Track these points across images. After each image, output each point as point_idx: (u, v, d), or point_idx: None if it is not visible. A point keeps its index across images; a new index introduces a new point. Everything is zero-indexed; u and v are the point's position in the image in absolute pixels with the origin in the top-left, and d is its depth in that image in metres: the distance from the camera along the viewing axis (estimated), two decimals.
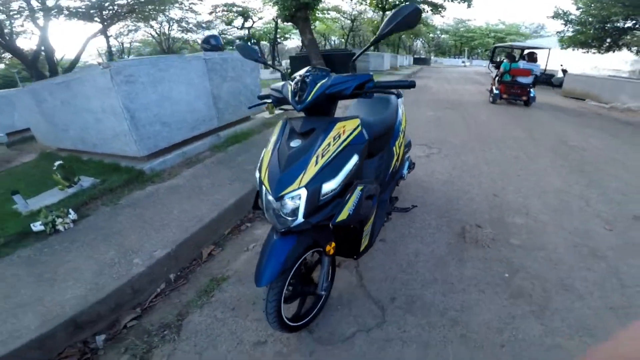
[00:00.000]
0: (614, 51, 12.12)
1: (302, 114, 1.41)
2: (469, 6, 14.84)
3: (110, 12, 15.90)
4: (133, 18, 18.46)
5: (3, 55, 19.77)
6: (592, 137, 5.05)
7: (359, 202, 1.32)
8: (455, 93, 10.59)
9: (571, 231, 2.36)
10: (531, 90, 7.65)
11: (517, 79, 7.74)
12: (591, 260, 2.03)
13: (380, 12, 18.96)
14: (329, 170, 1.22)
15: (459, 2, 14.71)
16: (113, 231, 2.30)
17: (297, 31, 26.23)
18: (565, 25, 13.00)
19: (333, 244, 1.44)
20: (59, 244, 2.20)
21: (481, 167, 3.64)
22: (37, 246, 2.19)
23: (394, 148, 2.08)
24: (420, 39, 43.53)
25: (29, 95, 4.19)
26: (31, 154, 5.07)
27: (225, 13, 24.06)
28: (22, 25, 13.71)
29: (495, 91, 8.08)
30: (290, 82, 1.36)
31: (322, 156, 1.22)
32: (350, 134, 1.31)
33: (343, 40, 32.18)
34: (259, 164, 1.34)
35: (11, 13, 12.75)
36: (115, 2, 15.09)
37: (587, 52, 12.84)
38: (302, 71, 1.36)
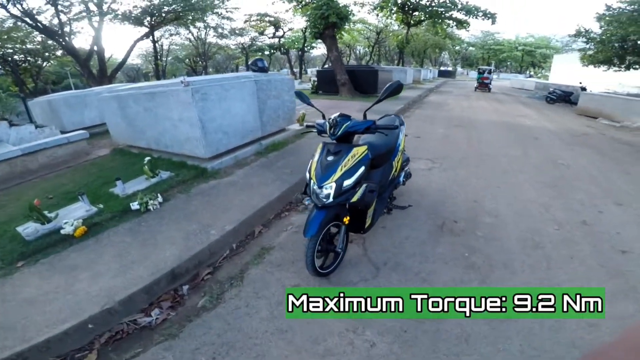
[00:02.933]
0: (635, 69, 12.40)
1: (330, 140, 2.40)
2: (493, 22, 15.36)
3: (158, 17, 17.62)
4: (175, 23, 20.23)
5: (55, 54, 22.07)
6: (582, 156, 5.72)
7: (363, 193, 2.28)
8: (470, 110, 11.27)
9: (525, 229, 3.18)
10: (489, 85, 19.20)
11: (483, 81, 19.21)
12: (531, 249, 2.86)
13: (405, 27, 19.79)
14: (347, 174, 2.19)
15: (483, 19, 15.28)
16: (191, 211, 3.33)
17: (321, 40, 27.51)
18: (587, 43, 13.34)
19: (347, 218, 2.39)
20: (152, 219, 3.18)
21: (470, 179, 4.48)
22: (136, 221, 3.16)
23: (394, 162, 3.01)
24: (446, 52, 43.75)
25: (114, 100, 5.25)
26: (103, 148, 6.25)
27: (258, 22, 25.59)
28: (82, 28, 15.61)
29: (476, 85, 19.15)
30: (328, 122, 2.36)
31: (345, 166, 2.20)
32: (361, 154, 2.29)
33: (368, 50, 33.17)
34: (309, 167, 2.35)
35: (74, 15, 14.54)
36: (163, 10, 16.74)
37: (608, 69, 13.14)
38: (334, 115, 2.37)
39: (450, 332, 1.99)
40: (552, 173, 4.81)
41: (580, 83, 14.05)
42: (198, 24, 22.93)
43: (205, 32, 27.30)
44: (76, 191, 3.58)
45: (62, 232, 2.87)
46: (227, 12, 21.64)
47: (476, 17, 14.77)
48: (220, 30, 25.92)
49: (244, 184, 3.96)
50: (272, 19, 25.48)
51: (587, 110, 11.04)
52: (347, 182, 2.18)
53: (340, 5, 11.02)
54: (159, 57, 24.54)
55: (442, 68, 42.19)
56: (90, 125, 7.70)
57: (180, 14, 17.79)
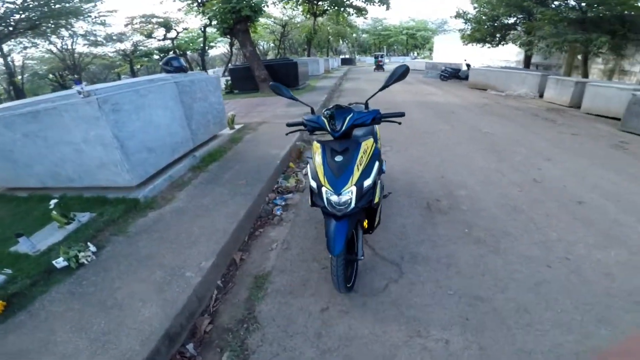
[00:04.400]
0: (503, 45, 14.71)
1: (329, 137, 2.03)
2: (387, 8, 16.45)
3: (6, 28, 13.96)
4: (31, 34, 16.37)
5: None
6: (495, 123, 6.49)
7: (382, 191, 1.98)
8: (387, 92, 11.90)
9: (496, 195, 3.35)
10: (383, 66, 22.90)
11: (379, 64, 23.96)
12: (515, 214, 2.99)
13: (312, 17, 19.92)
14: (365, 173, 1.86)
15: (379, 5, 16.27)
16: (143, 255, 2.54)
17: (223, 39, 25.76)
18: (465, 23, 15.27)
19: (366, 221, 2.07)
20: (94, 275, 2.33)
21: (426, 157, 4.59)
22: (71, 281, 2.29)
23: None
24: (345, 41, 45.91)
25: None
26: None
27: (143, 25, 22.61)
28: None
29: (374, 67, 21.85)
30: (324, 116, 2.00)
31: (361, 164, 1.86)
32: (372, 148, 1.98)
33: (273, 44, 32.53)
34: (311, 175, 1.94)
35: None
36: (13, 18, 13.32)
37: (483, 46, 15.31)
38: (331, 108, 2.04)
39: (506, 307, 1.94)
40: (485, 141, 5.28)
41: (465, 60, 16.17)
42: (63, 33, 19.02)
43: (73, 42, 22.91)
44: None
45: None
46: (99, 17, 18.39)
47: (373, 4, 15.71)
48: (92, 38, 22.04)
49: (195, 208, 3.25)
50: (160, 20, 22.79)
51: (477, 84, 12.77)
52: (367, 183, 1.86)
53: None
54: (13, 74, 19.57)
55: (342, 57, 44.14)
56: None
57: (37, 22, 14.41)
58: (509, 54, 16.29)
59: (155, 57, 27.78)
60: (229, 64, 22.16)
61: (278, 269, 2.46)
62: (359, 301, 2.07)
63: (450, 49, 26.04)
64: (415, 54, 50.80)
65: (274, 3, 17.17)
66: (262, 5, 10.56)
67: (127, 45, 25.85)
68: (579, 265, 2.26)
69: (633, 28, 8.35)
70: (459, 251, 2.47)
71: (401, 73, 1.95)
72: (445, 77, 16.13)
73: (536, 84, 10.08)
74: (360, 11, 17.09)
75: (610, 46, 8.57)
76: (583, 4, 8.99)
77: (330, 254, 1.81)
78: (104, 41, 23.28)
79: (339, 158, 1.89)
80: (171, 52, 25.29)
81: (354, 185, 1.79)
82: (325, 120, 1.99)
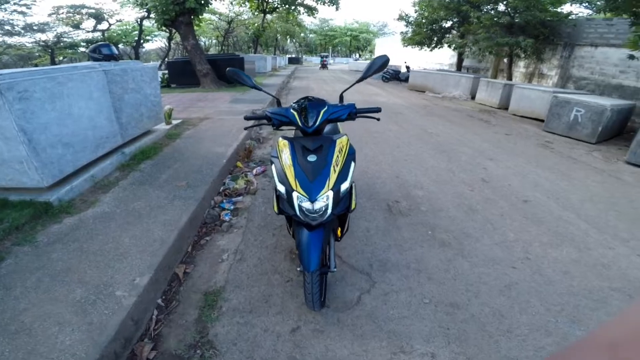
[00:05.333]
0: (439, 48, 15.60)
1: (298, 134, 1.77)
2: (337, 9, 16.43)
3: None
4: None
5: None
6: (439, 125, 6.77)
7: (356, 195, 1.76)
8: (335, 93, 11.91)
9: (452, 195, 3.38)
10: (327, 65, 24.26)
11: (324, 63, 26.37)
12: (472, 214, 3.02)
13: (261, 14, 19.11)
14: (342, 175, 1.62)
15: (329, 5, 16.19)
16: (58, 270, 2.02)
17: (160, 33, 23.51)
18: (407, 26, 15.88)
19: (339, 229, 1.83)
20: None
21: (379, 157, 4.54)
22: None
23: None
24: (294, 40, 45.41)
25: None
26: None
27: (71, 15, 19.68)
28: None
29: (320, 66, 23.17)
30: (293, 110, 1.73)
31: (337, 165, 1.62)
32: (347, 147, 1.75)
33: (216, 41, 30.65)
34: (278, 177, 1.64)
35: None
36: None
37: (421, 49, 16.06)
38: (301, 101, 1.78)
39: (483, 312, 1.87)
40: (432, 141, 5.44)
41: (405, 62, 16.90)
42: None
43: None
44: None
45: None
46: (20, 4, 15.51)
47: (323, 3, 15.60)
48: (7, 27, 18.62)
49: (125, 214, 2.71)
50: (92, 11, 20.01)
51: (416, 86, 13.44)
52: (345, 186, 1.63)
53: None
54: None
55: (289, 56, 43.62)
56: None
57: None
58: (443, 57, 17.32)
59: (82, 49, 24.49)
60: (167, 59, 20.27)
61: (233, 283, 2.11)
62: (332, 317, 1.83)
63: (391, 51, 27.21)
64: (358, 56, 52.41)
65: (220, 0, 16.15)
66: None
67: (49, 37, 22.36)
68: (539, 265, 2.31)
69: (552, 32, 9.45)
70: (426, 255, 2.38)
71: (381, 64, 1.75)
72: (387, 78, 16.72)
73: (469, 87, 10.91)
74: (311, 10, 16.88)
75: (533, 50, 9.56)
76: (511, 10, 9.94)
77: (303, 269, 1.54)
78: (22, 31, 19.84)
79: (311, 158, 1.62)
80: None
81: (331, 189, 1.54)
82: (296, 114, 1.72)
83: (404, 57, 19.23)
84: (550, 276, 2.19)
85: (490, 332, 1.75)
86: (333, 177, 1.57)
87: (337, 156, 1.65)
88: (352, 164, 1.72)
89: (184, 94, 9.23)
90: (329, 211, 1.54)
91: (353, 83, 1.95)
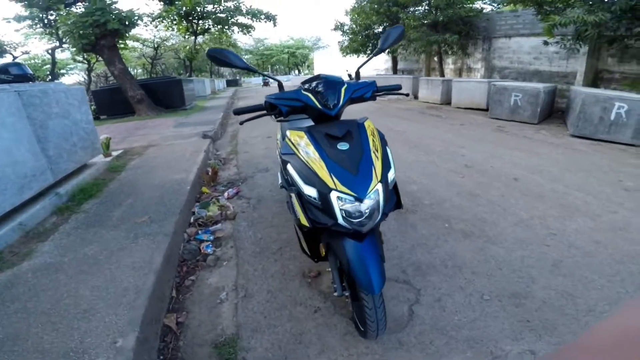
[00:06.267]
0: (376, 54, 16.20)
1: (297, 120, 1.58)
2: (274, 25, 16.08)
3: None
4: None
5: None
6: (400, 123, 6.84)
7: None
8: None
9: (446, 184, 3.24)
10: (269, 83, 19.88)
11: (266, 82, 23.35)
12: (475, 199, 2.88)
13: (192, 37, 18.10)
14: (385, 162, 1.29)
15: (265, 22, 15.85)
16: (8, 336, 1.39)
17: (78, 65, 21.15)
18: (343, 35, 16.25)
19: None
20: None
21: None
22: None
23: None
24: None
25: None
26: None
27: None
28: None
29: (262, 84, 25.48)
30: (306, 92, 1.40)
31: (377, 151, 1.28)
32: (376, 131, 1.43)
33: (142, 70, 28.60)
34: (302, 179, 1.25)
35: None
36: None
37: (359, 56, 16.47)
38: (314, 81, 1.45)
39: (551, 296, 1.57)
40: (401, 138, 5.39)
41: (347, 71, 17.26)
42: None
43: None
44: None
45: None
46: None
47: (260, 20, 15.24)
48: None
49: (75, 262, 2.03)
50: None
51: None
52: (392, 175, 1.32)
53: (124, 11, 8.51)
54: None
55: (227, 79, 42.50)
56: None
57: None
58: (379, 62, 18.00)
59: None
60: (89, 91, 18.30)
61: (248, 327, 1.62)
62: (390, 341, 1.46)
63: (330, 63, 27.84)
64: (297, 72, 53.21)
65: (145, 25, 14.92)
66: (135, 18, 8.93)
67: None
68: (567, 238, 2.21)
69: (472, 28, 10.31)
70: (456, 249, 2.13)
71: (397, 35, 1.55)
72: None
73: (410, 87, 11.45)
74: (247, 28, 16.32)
75: (458, 45, 10.34)
76: (433, 9, 10.70)
77: (366, 292, 1.17)
78: None
79: (343, 146, 1.26)
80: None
81: (379, 181, 1.20)
82: (310, 95, 1.37)
83: (344, 66, 19.72)
84: (585, 248, 2.08)
85: (573, 314, 1.54)
86: (378, 165, 1.24)
87: (373, 140, 1.33)
88: (388, 149, 1.41)
89: (118, 124, 8.18)
90: (381, 209, 1.20)
91: (370, 57, 1.68)
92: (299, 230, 1.57)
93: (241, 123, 1.76)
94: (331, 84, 1.40)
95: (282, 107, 1.39)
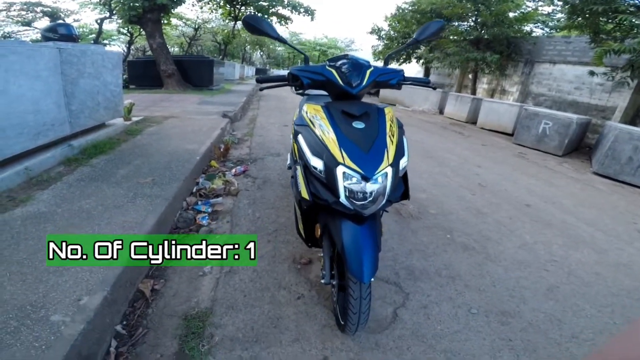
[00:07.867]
0: (408, 63, 15.99)
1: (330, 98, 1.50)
2: (312, 19, 16.19)
3: None
4: None
5: None
6: (419, 134, 6.73)
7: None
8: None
9: (455, 198, 3.15)
10: None
11: None
12: (482, 216, 2.80)
13: (232, 23, 18.38)
14: (399, 149, 1.26)
15: (304, 15, 15.91)
16: None
17: (119, 37, 21.80)
18: (379, 39, 16.08)
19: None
20: None
21: None
22: None
23: None
24: (261, 52, 44.80)
25: None
26: None
27: (24, 13, 17.65)
28: None
29: None
30: (330, 68, 1.39)
31: (393, 136, 1.26)
32: (395, 119, 1.40)
33: (179, 49, 29.17)
34: (311, 150, 1.22)
35: None
36: None
37: (390, 63, 16.33)
38: (341, 60, 1.45)
39: (538, 319, 1.50)
40: (418, 146, 5.31)
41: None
42: None
43: None
44: None
45: None
46: None
47: (299, 13, 15.32)
48: None
49: (68, 214, 2.07)
50: (47, 9, 18.06)
51: (387, 99, 13.68)
52: (404, 163, 1.29)
53: None
54: None
55: (257, 67, 42.86)
56: None
57: None
58: (411, 72, 17.93)
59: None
60: (125, 61, 18.89)
61: (224, 303, 1.60)
62: (368, 341, 1.42)
63: None
64: None
65: (192, 5, 15.23)
66: None
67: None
68: (568, 266, 2.13)
69: (516, 50, 9.97)
70: (453, 260, 2.07)
71: (437, 29, 1.50)
72: None
73: (437, 101, 11.24)
74: (285, 20, 16.47)
75: (497, 65, 10.03)
76: (480, 26, 10.40)
77: (355, 278, 1.14)
78: None
79: (358, 124, 1.25)
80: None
81: (390, 165, 1.17)
82: (334, 72, 1.37)
83: None
84: (584, 278, 2.01)
85: (556, 339, 1.49)
86: (392, 148, 1.21)
87: (390, 125, 1.29)
88: (405, 139, 1.37)
89: (145, 95, 8.39)
90: (387, 194, 1.16)
91: (403, 46, 1.69)
92: (297, 210, 1.54)
93: (261, 89, 1.82)
94: (357, 65, 1.40)
95: (304, 79, 1.39)
